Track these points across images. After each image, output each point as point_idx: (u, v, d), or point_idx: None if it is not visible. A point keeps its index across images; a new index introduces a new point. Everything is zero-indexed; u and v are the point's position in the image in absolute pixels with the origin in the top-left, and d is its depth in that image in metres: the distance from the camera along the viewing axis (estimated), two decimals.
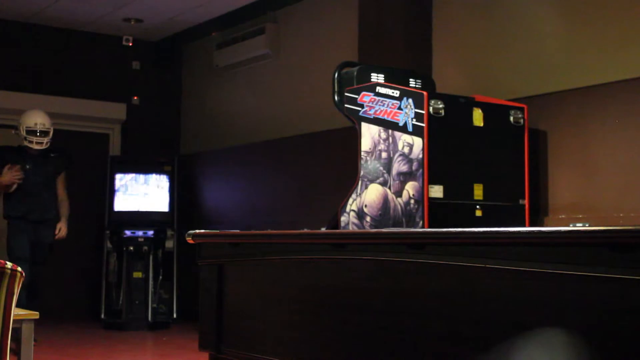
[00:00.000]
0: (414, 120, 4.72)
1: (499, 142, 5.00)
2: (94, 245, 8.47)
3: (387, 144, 4.88)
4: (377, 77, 5.21)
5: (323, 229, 5.03)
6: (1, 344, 2.53)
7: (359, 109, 5.05)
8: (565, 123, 5.17)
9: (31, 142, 6.45)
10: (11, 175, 6.42)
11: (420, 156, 4.68)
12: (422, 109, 4.68)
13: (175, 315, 8.03)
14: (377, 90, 4.96)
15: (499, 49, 5.68)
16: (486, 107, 4.96)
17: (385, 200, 4.88)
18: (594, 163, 5.01)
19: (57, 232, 6.69)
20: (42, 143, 6.47)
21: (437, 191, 4.72)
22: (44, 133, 6.50)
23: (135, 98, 8.94)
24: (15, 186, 6.43)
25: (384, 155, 4.89)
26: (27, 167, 6.45)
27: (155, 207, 8.29)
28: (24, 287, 5.57)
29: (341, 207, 5.14)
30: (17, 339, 2.96)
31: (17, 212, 6.41)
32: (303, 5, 7.42)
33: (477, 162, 4.92)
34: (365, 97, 5.01)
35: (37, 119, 6.49)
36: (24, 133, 6.45)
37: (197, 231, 3.11)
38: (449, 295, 2.00)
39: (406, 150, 4.76)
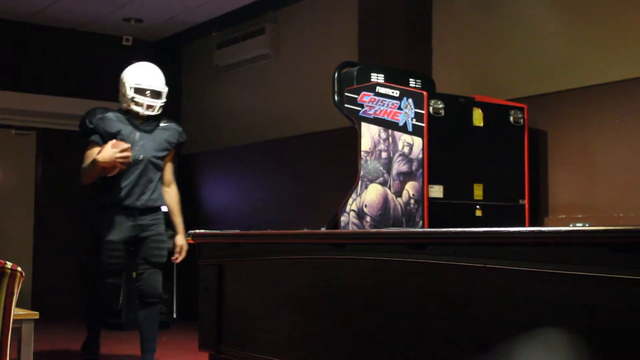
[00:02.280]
0: (414, 120, 4.72)
1: (499, 142, 4.99)
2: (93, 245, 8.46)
3: (387, 144, 4.88)
4: (377, 77, 5.21)
5: (323, 229, 5.03)
6: (1, 344, 2.53)
7: (359, 109, 5.05)
8: (565, 123, 5.17)
9: (140, 104, 4.81)
10: (116, 156, 4.64)
11: (420, 156, 4.68)
12: (422, 109, 4.68)
13: (175, 315, 8.03)
14: (377, 90, 4.96)
15: (499, 49, 5.68)
16: (486, 107, 4.96)
17: (385, 200, 4.88)
18: (594, 163, 5.01)
19: (177, 252, 5.08)
20: (154, 107, 4.84)
21: (437, 191, 4.72)
22: (157, 94, 4.86)
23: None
24: (117, 170, 4.71)
25: (384, 155, 4.89)
26: (134, 134, 4.83)
27: None
28: (146, 304, 4.84)
29: (341, 207, 5.14)
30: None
31: (112, 198, 4.78)
32: (303, 5, 7.41)
33: (477, 162, 4.92)
34: (365, 97, 5.01)
35: (147, 75, 4.88)
36: (129, 93, 4.82)
37: (197, 231, 3.11)
38: (449, 295, 2.00)
39: (406, 150, 4.76)
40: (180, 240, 4.91)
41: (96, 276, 4.82)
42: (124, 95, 4.84)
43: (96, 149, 4.74)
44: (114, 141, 4.68)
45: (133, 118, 4.84)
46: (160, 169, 4.86)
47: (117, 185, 4.71)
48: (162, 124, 4.91)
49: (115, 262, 4.73)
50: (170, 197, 4.99)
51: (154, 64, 4.95)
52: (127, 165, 4.66)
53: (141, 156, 4.76)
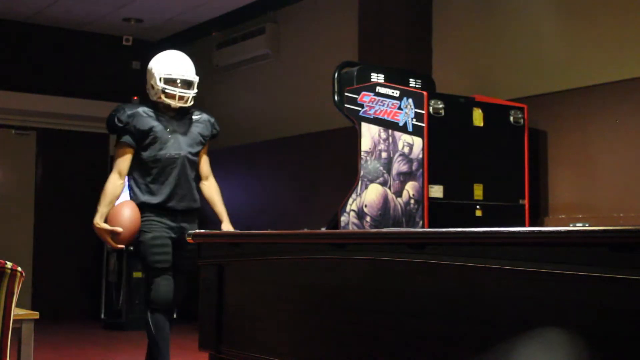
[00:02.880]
0: (414, 120, 4.72)
1: (499, 142, 4.99)
2: (94, 245, 8.47)
3: (387, 144, 4.88)
4: (377, 77, 5.21)
5: (323, 229, 5.02)
6: (1, 344, 2.53)
7: (359, 109, 5.04)
8: (565, 123, 5.17)
9: (171, 96, 4.39)
10: (106, 239, 4.33)
11: (420, 156, 4.68)
12: (422, 109, 4.68)
13: (175, 315, 8.03)
14: (377, 90, 4.96)
15: (499, 49, 5.68)
16: (486, 107, 4.96)
17: (385, 200, 4.88)
18: (594, 163, 5.01)
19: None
20: (185, 98, 4.42)
21: (437, 191, 4.72)
22: (188, 84, 4.47)
23: (135, 98, 8.92)
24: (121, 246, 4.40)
25: (384, 155, 4.89)
26: (168, 129, 4.41)
27: None
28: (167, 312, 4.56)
29: (341, 207, 5.14)
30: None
31: (154, 200, 4.36)
32: (303, 5, 7.42)
33: (477, 162, 4.92)
34: (365, 97, 5.01)
35: (177, 64, 4.49)
36: (159, 84, 4.40)
37: (197, 231, 3.10)
38: (449, 295, 2.00)
39: (406, 150, 4.76)
40: (226, 226, 4.58)
41: (150, 280, 4.49)
42: (153, 87, 4.42)
43: (128, 157, 4.38)
44: (110, 229, 4.24)
45: (164, 112, 4.43)
46: (196, 165, 4.51)
47: (157, 185, 4.36)
48: (194, 117, 4.54)
49: (167, 259, 4.34)
50: (211, 189, 4.64)
51: (182, 52, 4.61)
52: (163, 164, 4.36)
53: (177, 154, 4.38)
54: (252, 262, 2.79)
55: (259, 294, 2.74)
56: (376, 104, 4.94)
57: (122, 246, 4.39)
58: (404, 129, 4.77)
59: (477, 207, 4.86)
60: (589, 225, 1.90)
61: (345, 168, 5.99)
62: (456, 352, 1.96)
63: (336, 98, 5.28)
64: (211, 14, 7.96)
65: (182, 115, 4.48)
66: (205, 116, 4.61)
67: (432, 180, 4.69)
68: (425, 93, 4.74)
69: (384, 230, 3.04)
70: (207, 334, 2.91)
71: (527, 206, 5.02)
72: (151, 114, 4.40)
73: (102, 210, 4.27)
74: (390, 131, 4.86)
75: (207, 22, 8.20)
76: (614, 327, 1.64)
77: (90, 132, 8.88)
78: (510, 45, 5.60)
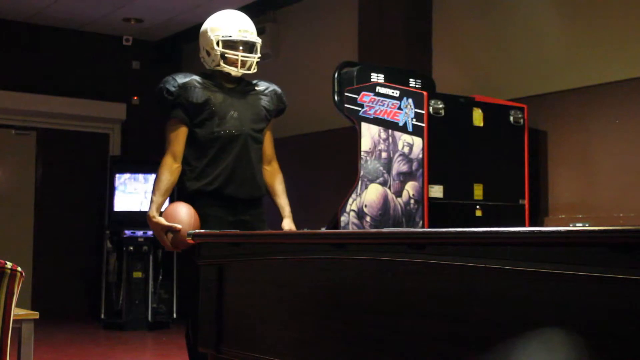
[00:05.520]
0: (414, 120, 4.72)
1: (499, 142, 5.00)
2: (93, 245, 8.48)
3: (387, 144, 4.88)
4: (377, 77, 5.21)
5: (323, 229, 5.02)
6: (1, 344, 2.53)
7: (359, 109, 5.05)
8: (565, 123, 5.18)
9: (232, 62, 3.71)
10: (162, 238, 3.63)
11: (420, 156, 4.68)
12: (422, 109, 4.68)
13: (175, 315, 8.03)
14: (377, 90, 4.96)
15: (499, 49, 5.68)
16: (486, 107, 4.96)
17: (385, 200, 4.88)
18: (594, 163, 5.01)
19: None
20: (248, 64, 3.74)
21: (437, 191, 4.72)
22: (250, 47, 3.76)
23: (135, 98, 8.94)
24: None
25: (384, 155, 4.89)
26: (227, 102, 3.73)
27: None
28: None
29: (341, 207, 5.14)
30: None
31: (209, 187, 3.66)
32: (303, 5, 7.42)
33: (477, 162, 4.92)
34: (365, 97, 5.01)
35: (237, 24, 3.78)
36: (217, 48, 3.71)
37: (197, 231, 3.10)
38: (449, 295, 2.00)
39: (406, 150, 4.76)
40: (288, 224, 3.91)
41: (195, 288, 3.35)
42: (209, 53, 3.75)
43: (182, 134, 3.65)
44: (169, 225, 3.55)
45: (222, 82, 3.74)
46: (261, 143, 3.78)
47: (212, 168, 3.63)
48: (258, 87, 3.86)
49: None
50: (273, 176, 3.91)
51: (239, 11, 3.93)
52: (222, 143, 3.65)
53: (238, 131, 3.67)
54: (252, 262, 2.79)
55: (259, 294, 2.75)
56: (376, 104, 4.94)
57: (181, 249, 3.62)
58: (404, 129, 4.77)
59: (477, 207, 4.86)
60: (589, 225, 1.90)
61: (345, 168, 5.99)
62: (456, 352, 1.96)
63: (336, 98, 5.28)
64: (211, 14, 7.95)
65: (243, 86, 3.81)
66: (271, 87, 3.92)
67: (432, 180, 4.69)
68: (425, 93, 4.74)
69: (384, 230, 3.04)
70: (207, 334, 2.91)
71: (527, 206, 5.02)
72: (208, 85, 3.71)
73: (157, 200, 3.62)
74: (390, 131, 4.86)
75: None
76: (614, 327, 1.64)
77: (90, 132, 8.88)
78: (510, 45, 5.60)
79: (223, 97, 3.70)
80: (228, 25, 3.76)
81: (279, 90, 3.95)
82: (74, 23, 8.36)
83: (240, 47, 3.71)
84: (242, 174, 3.67)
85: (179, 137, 3.66)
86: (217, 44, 3.71)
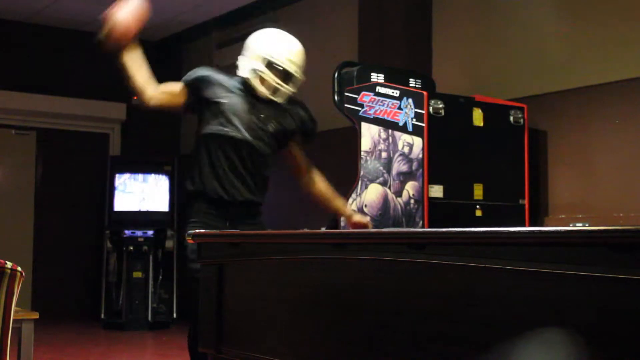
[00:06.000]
0: (414, 120, 4.72)
1: (499, 142, 5.00)
2: (93, 245, 8.47)
3: (387, 143, 4.88)
4: (377, 77, 5.21)
5: (323, 229, 5.03)
6: (1, 344, 2.53)
7: (359, 109, 5.05)
8: (565, 123, 5.18)
9: (267, 85, 3.55)
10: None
11: (420, 156, 4.68)
12: (422, 109, 4.68)
13: (175, 315, 8.03)
14: (377, 90, 4.96)
15: (499, 49, 5.68)
16: (486, 107, 4.96)
17: (385, 200, 4.88)
18: (594, 163, 5.01)
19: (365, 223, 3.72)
20: (280, 93, 3.58)
21: (437, 191, 4.72)
22: (291, 78, 3.61)
23: (135, 98, 8.93)
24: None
25: (384, 155, 4.89)
26: (261, 115, 3.58)
27: (155, 207, 8.30)
28: None
29: None
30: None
31: (205, 187, 3.52)
32: (303, 5, 7.42)
33: (477, 162, 4.92)
34: (365, 97, 5.01)
35: (291, 53, 3.64)
36: (260, 63, 3.55)
37: (197, 231, 3.10)
38: (449, 295, 2.00)
39: (406, 150, 4.76)
40: (358, 217, 3.77)
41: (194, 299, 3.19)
42: (248, 62, 3.60)
43: (179, 86, 3.67)
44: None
45: (248, 89, 3.56)
46: (265, 157, 3.62)
47: (213, 172, 3.51)
48: (287, 105, 3.65)
49: None
50: (314, 183, 3.84)
51: (298, 41, 3.74)
52: (227, 145, 3.51)
53: (241, 136, 3.51)
54: (252, 262, 2.79)
55: (259, 294, 2.75)
56: (376, 104, 4.94)
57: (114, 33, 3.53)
58: (404, 128, 4.77)
59: (477, 207, 4.86)
60: (589, 225, 1.90)
61: (345, 168, 5.99)
62: (456, 352, 1.96)
63: (336, 98, 5.29)
64: (211, 14, 7.96)
65: (269, 102, 3.59)
66: (300, 109, 3.71)
67: (432, 180, 4.69)
68: (425, 93, 4.74)
69: (384, 230, 3.05)
70: (207, 334, 2.91)
71: (527, 206, 5.02)
72: (231, 85, 3.57)
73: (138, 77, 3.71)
74: (390, 131, 4.86)
75: (207, 22, 8.20)
76: (614, 327, 1.64)
77: (90, 132, 8.88)
78: (510, 45, 5.60)
79: (241, 101, 3.55)
80: (282, 51, 3.60)
81: (308, 113, 3.77)
82: (74, 23, 8.36)
83: (281, 74, 3.56)
84: (240, 180, 3.55)
85: (173, 85, 3.68)
86: (263, 61, 3.55)
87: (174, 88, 3.65)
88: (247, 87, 3.57)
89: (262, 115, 3.56)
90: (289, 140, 3.69)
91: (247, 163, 3.55)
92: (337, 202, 3.81)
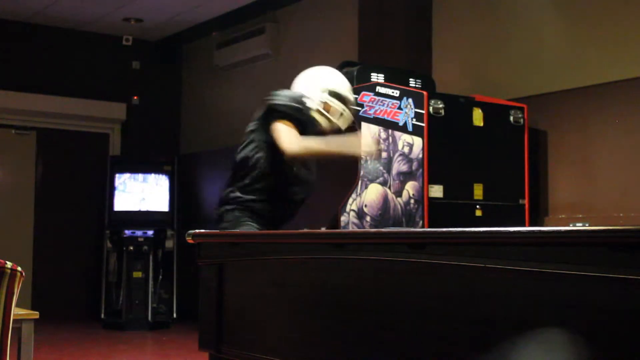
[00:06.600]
0: (414, 120, 4.72)
1: (499, 142, 5.00)
2: (93, 245, 8.47)
3: (387, 143, 4.88)
4: (377, 77, 5.21)
5: (323, 229, 5.03)
6: (1, 344, 2.53)
7: (359, 108, 5.05)
8: (565, 123, 5.17)
9: (333, 113, 3.73)
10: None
11: (420, 156, 4.68)
12: (422, 109, 4.68)
13: (175, 315, 8.03)
14: (377, 90, 4.96)
15: (499, 49, 5.68)
16: (486, 107, 4.96)
17: (385, 200, 4.88)
18: (594, 163, 5.01)
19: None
20: (343, 121, 3.79)
21: (437, 191, 4.72)
22: (349, 105, 3.81)
23: (135, 98, 8.94)
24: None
25: (384, 155, 4.89)
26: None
27: (155, 207, 8.30)
28: None
29: (341, 207, 5.14)
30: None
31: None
32: (303, 5, 7.42)
33: (477, 162, 4.92)
34: (365, 97, 5.01)
35: (353, 95, 3.88)
36: (322, 95, 3.73)
37: (197, 231, 3.10)
38: (449, 295, 2.00)
39: (406, 150, 4.76)
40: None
41: None
42: (315, 94, 3.74)
43: (315, 139, 3.65)
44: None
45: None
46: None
47: (272, 202, 3.73)
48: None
49: None
50: None
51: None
52: (294, 184, 3.78)
53: (310, 182, 3.93)
54: (252, 262, 2.79)
55: (259, 294, 2.75)
56: (376, 104, 4.94)
57: None
58: (404, 128, 4.77)
59: (477, 207, 4.86)
60: (589, 225, 1.90)
61: (345, 168, 5.99)
62: (456, 352, 1.97)
63: None
64: (211, 14, 7.96)
65: None
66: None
67: (432, 180, 4.69)
68: (425, 93, 4.74)
69: (384, 230, 3.04)
70: (207, 334, 2.91)
71: (527, 206, 5.02)
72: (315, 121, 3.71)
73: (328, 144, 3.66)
74: (390, 131, 4.86)
75: (207, 22, 8.20)
76: (614, 327, 1.64)
77: (90, 132, 8.88)
78: (510, 45, 5.60)
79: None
80: (350, 92, 3.81)
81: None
82: (74, 23, 8.36)
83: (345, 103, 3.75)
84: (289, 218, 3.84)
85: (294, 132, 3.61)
86: (324, 91, 3.71)
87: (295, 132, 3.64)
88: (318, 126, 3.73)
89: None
90: None
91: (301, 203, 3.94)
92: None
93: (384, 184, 4.90)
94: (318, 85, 3.75)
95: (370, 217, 4.94)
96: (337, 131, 3.77)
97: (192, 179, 8.74)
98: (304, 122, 3.61)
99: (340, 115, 3.72)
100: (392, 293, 2.17)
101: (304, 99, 3.70)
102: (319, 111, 3.69)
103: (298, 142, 3.53)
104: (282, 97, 3.71)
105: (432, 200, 4.68)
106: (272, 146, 3.61)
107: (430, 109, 4.70)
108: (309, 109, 3.67)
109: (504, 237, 1.85)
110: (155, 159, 8.53)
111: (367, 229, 4.82)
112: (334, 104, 3.71)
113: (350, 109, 3.78)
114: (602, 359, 1.66)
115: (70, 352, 6.36)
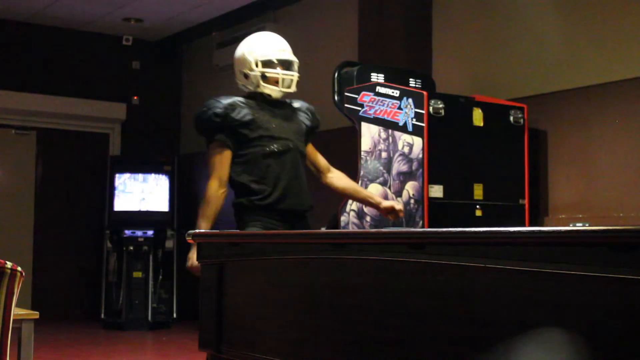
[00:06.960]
0: (414, 120, 4.72)
1: (499, 142, 5.00)
2: (93, 245, 8.47)
3: (387, 143, 4.88)
4: (377, 77, 5.21)
5: (323, 229, 5.03)
6: (1, 344, 2.53)
7: (359, 108, 5.05)
8: (565, 123, 5.17)
9: (272, 81, 3.68)
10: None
11: (420, 156, 4.68)
12: (422, 109, 4.68)
13: (175, 315, 8.03)
14: (377, 90, 4.96)
15: (499, 49, 5.68)
16: (486, 107, 4.96)
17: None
18: (594, 163, 5.01)
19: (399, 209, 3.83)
20: (288, 82, 3.71)
21: (437, 191, 4.72)
22: (289, 64, 3.75)
23: (135, 98, 8.94)
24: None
25: (384, 155, 4.89)
26: (273, 119, 3.68)
27: (155, 207, 8.30)
28: None
29: (341, 207, 5.14)
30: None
31: (263, 200, 3.59)
32: (303, 5, 7.42)
33: (477, 162, 4.92)
34: (365, 97, 5.01)
35: (273, 43, 3.77)
36: (257, 69, 3.65)
37: (197, 231, 3.10)
38: (449, 295, 2.00)
39: (406, 150, 4.76)
40: (389, 202, 3.87)
41: None
42: (249, 75, 3.66)
43: (227, 158, 3.64)
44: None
45: (262, 103, 3.67)
46: (305, 157, 3.82)
47: (265, 184, 3.59)
48: (294, 105, 3.85)
49: None
50: (342, 179, 3.97)
51: (273, 33, 3.93)
52: (274, 159, 3.62)
53: (286, 147, 3.63)
54: (252, 262, 2.79)
55: (259, 294, 2.75)
56: (376, 104, 4.94)
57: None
58: (404, 128, 4.77)
59: (477, 207, 4.86)
60: (589, 225, 1.90)
61: (345, 168, 5.98)
62: (456, 352, 1.97)
63: (336, 98, 5.28)
64: (211, 14, 7.96)
65: (283, 104, 3.76)
66: (305, 104, 3.91)
67: (432, 180, 4.69)
68: (425, 93, 4.74)
69: (384, 230, 3.04)
70: (207, 334, 2.91)
71: (527, 206, 5.02)
72: (251, 104, 3.64)
73: (204, 226, 3.55)
74: (390, 131, 4.86)
75: (207, 22, 8.20)
76: (614, 327, 1.64)
77: (90, 132, 8.88)
78: (510, 45, 5.60)
79: (268, 115, 3.64)
80: (265, 46, 3.71)
81: (312, 107, 3.93)
82: (73, 23, 8.36)
83: (279, 67, 3.69)
84: (295, 187, 3.63)
85: (224, 161, 3.64)
86: (256, 64, 3.65)
87: (226, 160, 3.65)
88: (259, 101, 3.67)
89: (288, 120, 3.71)
90: (309, 137, 3.84)
91: (298, 169, 3.69)
92: (364, 192, 4.02)
93: (384, 184, 4.90)
94: (244, 62, 3.68)
95: (371, 217, 4.94)
96: (282, 104, 3.73)
97: (192, 179, 8.74)
98: (225, 124, 3.57)
99: (283, 82, 3.67)
100: (392, 293, 2.17)
101: (210, 101, 3.66)
102: (265, 86, 3.64)
103: (210, 188, 3.63)
104: (195, 120, 3.75)
105: (432, 200, 4.68)
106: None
107: (430, 109, 4.70)
108: (218, 105, 3.60)
109: (504, 237, 1.85)
110: (155, 159, 8.54)
111: (367, 229, 4.82)
112: (270, 74, 3.65)
113: (287, 73, 3.69)
114: (602, 359, 1.66)
115: (70, 352, 6.36)
